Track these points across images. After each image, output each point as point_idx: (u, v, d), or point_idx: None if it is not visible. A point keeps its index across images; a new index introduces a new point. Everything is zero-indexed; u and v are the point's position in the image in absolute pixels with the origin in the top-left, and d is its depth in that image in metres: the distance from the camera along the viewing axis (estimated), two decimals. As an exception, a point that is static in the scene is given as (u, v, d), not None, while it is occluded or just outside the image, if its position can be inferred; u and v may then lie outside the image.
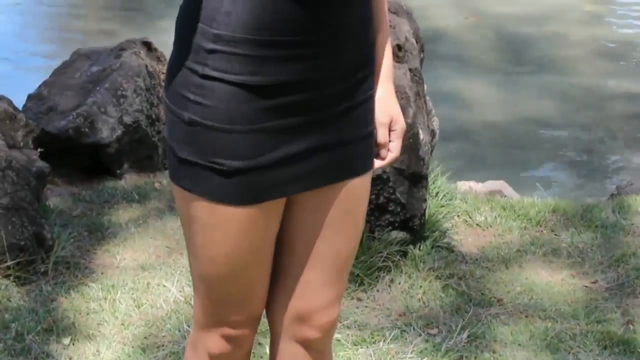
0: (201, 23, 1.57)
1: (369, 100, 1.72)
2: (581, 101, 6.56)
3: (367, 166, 1.75)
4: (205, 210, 1.62)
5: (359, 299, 3.15)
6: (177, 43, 1.62)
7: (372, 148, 1.76)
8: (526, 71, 7.00)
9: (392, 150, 1.80)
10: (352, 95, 1.67)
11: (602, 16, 8.48)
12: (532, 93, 6.60)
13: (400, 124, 1.80)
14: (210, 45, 1.56)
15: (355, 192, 1.74)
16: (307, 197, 1.69)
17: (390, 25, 3.66)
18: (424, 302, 3.15)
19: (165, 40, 6.58)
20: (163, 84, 4.35)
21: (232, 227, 1.62)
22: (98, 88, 4.05)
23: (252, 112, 1.57)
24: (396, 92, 3.34)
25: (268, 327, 1.84)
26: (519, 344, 2.93)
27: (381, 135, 1.78)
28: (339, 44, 1.61)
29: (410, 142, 3.31)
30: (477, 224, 3.76)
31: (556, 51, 7.47)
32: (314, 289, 1.75)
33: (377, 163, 1.79)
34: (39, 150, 3.59)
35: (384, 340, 2.89)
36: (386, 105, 1.78)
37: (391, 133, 1.80)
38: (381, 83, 1.77)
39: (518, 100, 6.50)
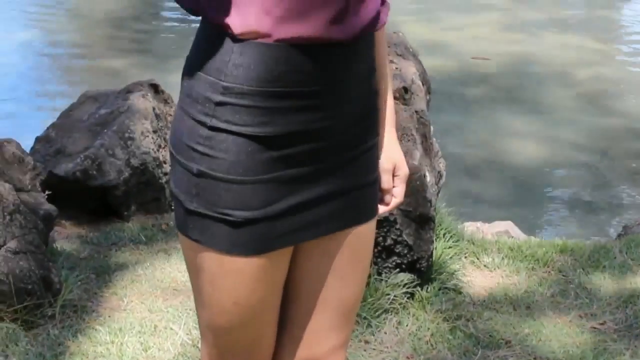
0: (209, 75, 1.58)
1: (375, 148, 1.73)
2: (587, 139, 6.57)
3: (373, 212, 1.76)
4: (214, 261, 1.62)
5: (366, 342, 3.14)
6: (183, 94, 1.63)
7: (377, 194, 1.77)
8: (532, 110, 7.02)
9: (395, 195, 1.82)
10: (358, 143, 1.68)
11: (608, 55, 8.51)
12: (537, 131, 6.61)
13: (404, 170, 1.82)
14: (219, 98, 1.57)
15: (361, 238, 1.75)
16: (313, 244, 1.70)
17: (396, 68, 3.69)
18: (431, 345, 3.14)
19: (172, 81, 6.62)
20: (170, 125, 4.39)
21: (241, 277, 1.62)
22: (106, 130, 4.07)
23: (260, 163, 1.58)
24: (403, 134, 3.37)
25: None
26: (528, 387, 2.92)
27: (385, 181, 1.79)
28: (346, 94, 1.63)
29: (417, 184, 3.31)
30: (485, 265, 3.76)
31: (561, 90, 7.49)
32: (320, 335, 1.75)
33: (382, 209, 1.81)
34: (46, 193, 3.60)
35: (391, 384, 2.88)
36: (389, 151, 1.80)
37: (395, 178, 1.81)
38: (382, 129, 1.78)
39: (524, 138, 6.51)
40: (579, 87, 7.59)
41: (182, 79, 1.65)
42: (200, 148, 1.59)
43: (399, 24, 8.44)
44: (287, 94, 1.56)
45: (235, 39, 1.55)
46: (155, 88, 4.43)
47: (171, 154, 1.65)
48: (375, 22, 1.63)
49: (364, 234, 1.75)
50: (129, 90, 4.29)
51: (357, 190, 1.70)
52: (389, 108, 1.81)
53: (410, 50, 3.90)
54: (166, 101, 4.45)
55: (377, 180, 1.76)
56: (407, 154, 3.32)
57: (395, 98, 3.52)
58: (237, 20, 1.53)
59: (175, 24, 8.30)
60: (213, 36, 1.58)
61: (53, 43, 8.15)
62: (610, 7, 10.26)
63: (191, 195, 1.61)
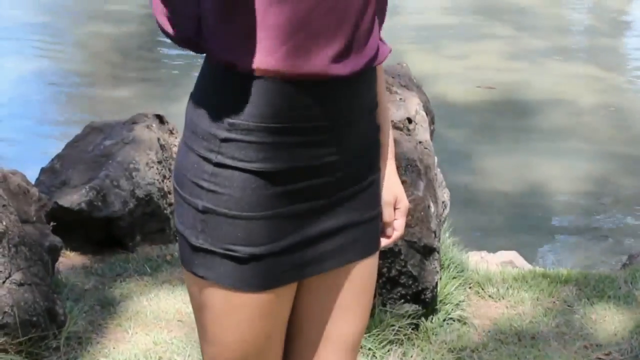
0: (214, 112, 1.59)
1: (377, 182, 1.74)
2: (591, 167, 6.57)
3: (376, 246, 1.77)
4: (220, 297, 1.62)
5: (372, 373, 3.14)
6: (188, 131, 1.64)
7: (380, 228, 1.78)
8: (536, 138, 7.03)
9: (397, 228, 1.83)
10: (361, 177, 1.69)
11: (611, 83, 8.53)
12: (542, 160, 6.62)
13: (404, 203, 1.83)
14: (225, 134, 1.58)
15: (364, 272, 1.76)
16: (317, 279, 1.70)
17: (400, 99, 3.70)
18: (436, 376, 3.14)
19: (176, 110, 6.65)
20: (175, 157, 4.41)
21: (247, 313, 1.62)
22: (110, 161, 4.08)
23: (266, 199, 1.59)
24: (407, 165, 3.37)
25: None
26: (533, 419, 2.91)
27: (387, 214, 1.80)
28: (349, 130, 1.64)
29: (422, 215, 3.32)
30: (490, 296, 3.75)
31: (566, 118, 7.50)
32: None
33: (383, 242, 1.82)
34: (51, 224, 3.61)
35: (396, 416, 2.87)
36: (390, 184, 1.81)
37: (396, 211, 1.82)
38: (383, 162, 1.80)
39: (528, 167, 6.51)
40: (582, 116, 7.60)
41: (187, 114, 1.66)
42: (205, 184, 1.59)
43: (403, 52, 8.48)
44: (291, 129, 1.57)
45: (240, 75, 1.56)
46: (160, 119, 4.45)
47: (175, 190, 1.65)
48: (375, 57, 1.65)
49: (367, 268, 1.76)
50: (134, 121, 4.31)
51: (361, 224, 1.71)
52: (390, 140, 1.82)
53: (414, 81, 3.92)
54: (171, 132, 4.47)
55: (379, 214, 1.76)
56: (412, 184, 3.33)
57: (399, 129, 3.52)
58: (242, 58, 1.55)
59: (181, 52, 8.34)
60: (217, 73, 1.59)
61: (58, 73, 8.19)
62: (614, 35, 10.30)
63: (196, 232, 1.62)
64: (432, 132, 3.90)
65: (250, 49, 1.53)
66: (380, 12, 1.67)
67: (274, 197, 1.59)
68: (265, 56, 1.53)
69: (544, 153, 6.77)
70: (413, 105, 3.64)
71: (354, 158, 1.66)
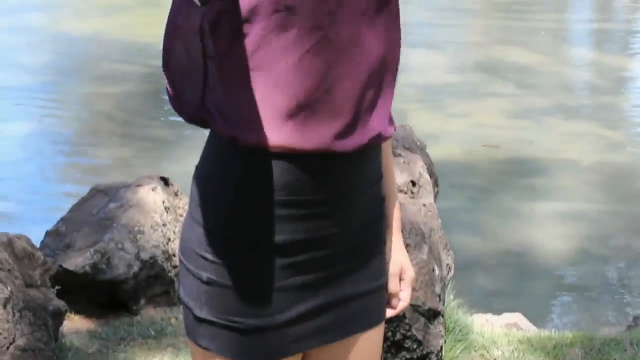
0: (219, 185, 1.61)
1: (382, 253, 1.75)
2: (596, 227, 6.57)
3: (381, 317, 1.77)
4: None
5: None
6: (193, 203, 1.66)
7: (385, 299, 1.79)
8: (540, 198, 7.04)
9: (402, 299, 1.83)
10: (366, 249, 1.70)
11: (615, 141, 8.55)
12: (546, 220, 6.62)
13: (410, 273, 1.84)
14: (230, 208, 1.60)
15: (369, 343, 1.76)
16: (320, 351, 1.70)
17: (404, 161, 3.72)
18: None
19: (180, 170, 6.67)
20: (179, 218, 4.42)
21: None
22: (115, 224, 4.09)
23: (269, 271, 1.60)
24: (411, 228, 3.38)
25: None
26: None
27: (392, 285, 1.81)
28: (353, 202, 1.65)
29: (426, 278, 3.32)
30: (495, 359, 3.73)
31: (570, 177, 7.52)
32: None
33: (388, 312, 1.82)
34: (56, 288, 3.61)
35: None
36: (396, 255, 1.82)
37: (401, 282, 1.83)
38: (389, 233, 1.80)
39: (532, 227, 6.51)
40: (585, 174, 7.61)
41: (192, 187, 1.68)
42: (210, 257, 1.61)
43: (406, 111, 8.52)
44: (294, 203, 1.59)
45: (244, 150, 1.58)
46: (165, 181, 4.47)
47: (181, 261, 1.67)
48: (380, 135, 1.66)
49: (371, 339, 1.76)
50: (138, 184, 4.33)
51: (365, 295, 1.72)
52: (395, 212, 1.83)
53: (418, 143, 3.95)
54: (176, 194, 4.49)
55: (385, 284, 1.77)
56: (416, 248, 3.33)
57: (403, 192, 3.54)
58: (245, 134, 1.57)
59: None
60: (222, 146, 1.61)
61: (63, 133, 8.24)
62: (616, 93, 10.34)
63: (200, 303, 1.63)
64: (436, 195, 3.92)
65: (254, 126, 1.56)
66: (388, 84, 1.68)
67: (276, 269, 1.60)
68: (269, 132, 1.55)
69: (548, 212, 6.77)
70: (417, 168, 3.66)
71: (359, 230, 1.67)
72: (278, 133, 1.55)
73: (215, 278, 1.60)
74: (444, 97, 9.76)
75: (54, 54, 11.02)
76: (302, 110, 1.55)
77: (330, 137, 1.57)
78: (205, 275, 1.61)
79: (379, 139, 1.66)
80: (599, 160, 7.96)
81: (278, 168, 1.57)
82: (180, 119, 1.71)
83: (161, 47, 1.71)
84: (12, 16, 13.12)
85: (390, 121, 1.71)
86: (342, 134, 1.59)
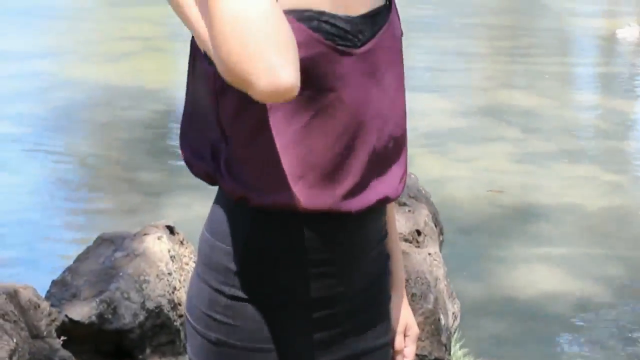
0: (228, 245, 1.62)
1: (387, 310, 1.76)
2: (600, 274, 6.55)
3: (386, 374, 1.78)
4: None
5: None
6: (201, 263, 1.67)
7: (390, 356, 1.79)
8: (546, 243, 7.03)
9: (407, 355, 1.84)
10: (371, 307, 1.71)
11: (621, 185, 8.56)
12: (551, 267, 6.61)
13: (414, 330, 1.85)
14: (238, 267, 1.60)
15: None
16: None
17: (409, 210, 3.73)
18: None
19: (185, 217, 6.67)
20: (185, 266, 4.43)
21: None
22: (121, 274, 4.10)
23: (278, 331, 1.61)
24: (416, 277, 3.38)
25: None
26: None
27: (397, 342, 1.82)
28: (358, 260, 1.66)
29: (432, 328, 3.31)
30: (502, 408, 3.71)
31: (575, 222, 7.51)
32: None
33: None
34: (61, 338, 3.61)
35: None
36: (400, 312, 1.83)
37: (406, 339, 1.84)
38: (394, 290, 1.81)
39: (539, 273, 6.50)
40: (591, 219, 7.61)
41: (200, 246, 1.69)
42: (219, 317, 1.61)
43: (411, 156, 8.48)
44: (302, 262, 1.60)
45: (252, 210, 1.59)
46: (171, 229, 4.48)
47: (188, 322, 1.67)
48: (388, 198, 1.68)
49: (378, 395, 1.76)
50: (145, 233, 4.34)
51: (371, 353, 1.72)
52: (398, 268, 1.84)
53: (423, 192, 3.96)
54: (181, 242, 4.50)
55: (390, 343, 1.78)
56: (421, 297, 3.33)
57: (408, 241, 3.55)
58: (255, 194, 1.58)
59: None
60: (230, 205, 1.63)
61: (69, 180, 8.26)
62: (621, 137, 10.36)
63: None
64: (441, 243, 3.93)
65: (263, 186, 1.57)
66: (399, 146, 1.70)
67: (285, 329, 1.61)
68: (278, 193, 1.56)
69: (554, 258, 6.76)
70: (422, 217, 3.67)
71: (364, 288, 1.68)
72: (287, 194, 1.56)
73: (225, 338, 1.60)
74: (448, 142, 9.79)
75: (60, 100, 11.08)
76: (312, 171, 1.56)
77: (339, 197, 1.59)
78: (214, 335, 1.61)
79: (387, 200, 1.67)
80: (604, 205, 7.96)
81: (287, 228, 1.58)
82: (186, 169, 1.72)
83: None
84: (18, 63, 13.22)
85: (402, 180, 1.72)
86: (351, 194, 1.60)
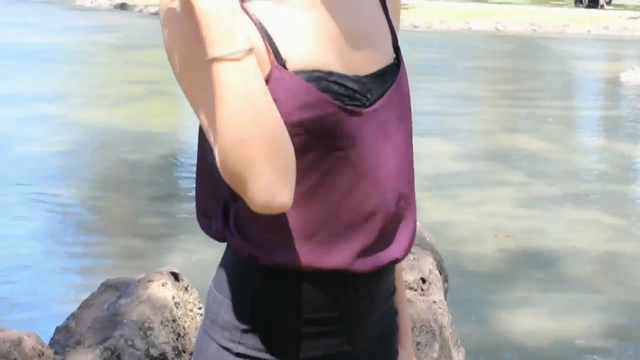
0: (236, 303, 1.62)
1: (396, 364, 1.76)
2: (606, 319, 6.53)
3: None
4: None
5: None
6: (208, 319, 1.67)
7: (397, 410, 1.79)
8: (552, 288, 7.01)
9: None
10: (380, 361, 1.71)
11: (623, 230, 8.55)
12: (557, 312, 6.59)
13: None
14: (246, 325, 1.60)
15: None
16: None
17: (414, 258, 3.73)
18: None
19: (189, 263, 6.66)
20: (189, 313, 4.42)
21: None
22: (125, 320, 4.09)
23: None
24: (421, 326, 3.38)
25: None
26: None
27: (405, 396, 1.81)
28: (366, 318, 1.66)
29: (437, 377, 3.30)
30: None
31: (581, 267, 7.50)
32: None
33: None
34: (65, 386, 3.60)
35: None
36: (407, 366, 1.83)
37: None
38: (402, 346, 1.81)
39: (544, 318, 6.48)
40: (597, 264, 7.60)
41: (207, 303, 1.69)
42: None
43: (417, 200, 8.54)
44: (311, 320, 1.60)
45: (261, 268, 1.59)
46: (175, 276, 4.48)
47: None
48: (399, 258, 1.68)
49: None
50: (149, 280, 4.34)
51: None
52: (407, 323, 1.84)
53: (427, 239, 3.96)
54: (186, 289, 4.50)
55: (397, 397, 1.78)
56: (426, 346, 3.32)
57: (413, 289, 3.54)
58: (264, 253, 1.58)
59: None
60: (239, 262, 1.63)
61: (72, 226, 8.27)
62: (624, 181, 10.37)
63: None
64: (446, 291, 3.92)
65: (272, 244, 1.57)
66: (409, 204, 1.71)
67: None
68: (287, 252, 1.57)
69: (559, 303, 6.74)
70: (427, 265, 3.67)
71: (371, 345, 1.68)
72: (297, 253, 1.56)
73: None
74: (452, 186, 9.81)
75: (66, 143, 11.13)
76: (321, 230, 1.56)
77: (349, 257, 1.59)
78: (220, 392, 1.61)
79: (396, 261, 1.68)
80: (609, 249, 7.95)
81: (296, 286, 1.58)
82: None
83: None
84: (26, 106, 13.31)
85: (412, 239, 1.73)
86: (362, 254, 1.60)
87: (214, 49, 1.40)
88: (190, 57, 1.49)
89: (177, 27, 1.48)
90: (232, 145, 1.37)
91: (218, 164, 1.43)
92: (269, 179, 1.39)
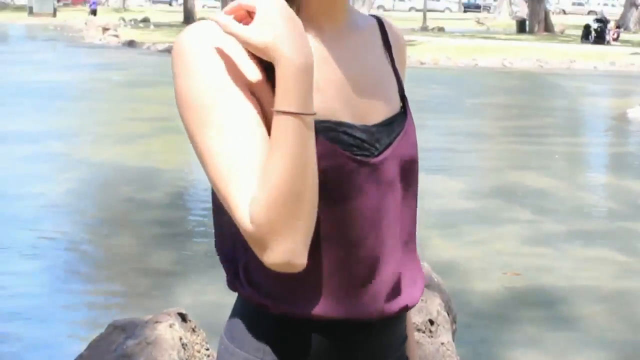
0: (248, 352, 1.63)
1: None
2: (617, 358, 6.50)
3: None
4: None
5: None
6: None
7: None
8: (561, 328, 6.98)
9: None
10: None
11: (632, 268, 8.52)
12: (567, 351, 6.56)
13: None
14: None
15: None
16: None
17: (422, 300, 3.72)
18: None
19: (197, 303, 6.64)
20: (197, 354, 4.41)
21: None
22: (133, 362, 4.08)
23: None
24: (429, 368, 3.36)
25: None
26: None
27: None
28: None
29: (446, 420, 3.28)
30: None
31: (590, 306, 7.47)
32: None
33: None
34: None
35: None
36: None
37: None
38: None
39: (553, 355, 6.44)
40: (606, 303, 7.57)
41: (219, 351, 1.69)
42: None
43: (424, 238, 8.54)
44: None
45: (272, 317, 1.59)
46: (183, 317, 4.47)
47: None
48: (409, 306, 1.69)
49: None
50: (156, 321, 4.33)
51: None
52: None
53: (435, 280, 3.95)
54: (193, 330, 4.49)
55: None
56: (435, 389, 3.30)
57: (421, 331, 3.53)
58: (273, 302, 1.58)
59: (206, 247, 8.44)
60: (250, 311, 1.63)
61: (79, 267, 8.28)
62: (632, 218, 10.35)
63: None
64: (454, 332, 3.90)
65: (282, 295, 1.58)
66: (413, 251, 1.71)
67: None
68: (298, 302, 1.57)
69: (568, 343, 6.71)
70: (435, 306, 3.66)
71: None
72: (307, 303, 1.56)
73: None
74: (460, 223, 9.80)
75: (73, 181, 11.17)
76: (331, 280, 1.57)
77: (360, 307, 1.59)
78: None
79: (407, 308, 1.68)
80: (617, 287, 7.92)
81: (307, 335, 1.58)
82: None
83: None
84: (33, 144, 13.36)
85: (422, 287, 1.73)
86: (372, 304, 1.60)
87: (295, 105, 1.42)
88: (215, 102, 1.48)
89: (216, 73, 1.47)
90: (283, 198, 1.38)
91: (250, 215, 1.42)
92: (300, 239, 1.42)
